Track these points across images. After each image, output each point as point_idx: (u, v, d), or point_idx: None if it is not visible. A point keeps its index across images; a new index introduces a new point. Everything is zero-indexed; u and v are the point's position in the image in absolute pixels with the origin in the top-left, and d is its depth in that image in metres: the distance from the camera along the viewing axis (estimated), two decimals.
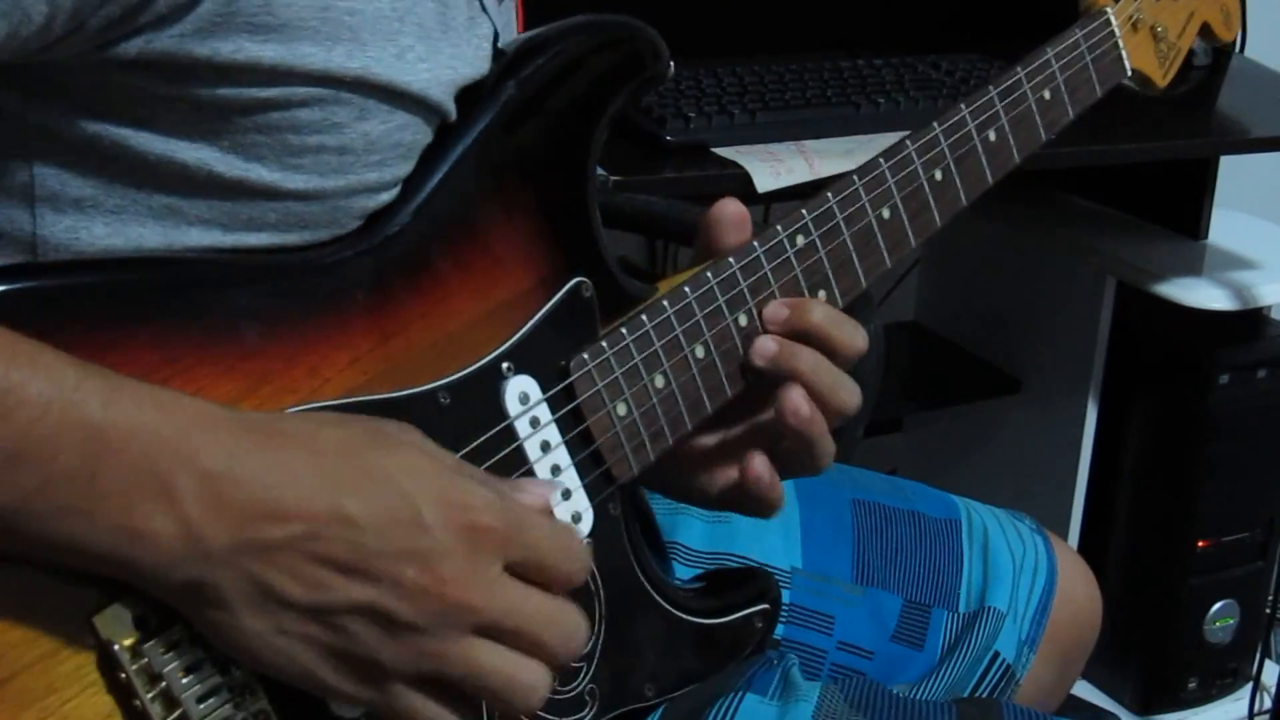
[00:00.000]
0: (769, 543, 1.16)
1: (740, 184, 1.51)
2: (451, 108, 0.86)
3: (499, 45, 0.90)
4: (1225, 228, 2.11)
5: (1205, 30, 1.29)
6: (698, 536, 1.15)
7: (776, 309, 0.96)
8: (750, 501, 0.97)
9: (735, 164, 1.53)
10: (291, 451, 0.74)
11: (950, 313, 2.35)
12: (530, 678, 0.77)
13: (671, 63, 0.94)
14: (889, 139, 1.63)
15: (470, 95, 0.87)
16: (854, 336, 0.97)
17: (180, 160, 0.78)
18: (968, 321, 2.31)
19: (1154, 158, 1.92)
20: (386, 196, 0.84)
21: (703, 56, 1.69)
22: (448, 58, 0.84)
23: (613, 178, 1.45)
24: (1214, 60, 2.03)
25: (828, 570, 1.17)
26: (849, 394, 0.96)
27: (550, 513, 0.84)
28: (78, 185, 0.78)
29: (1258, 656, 2.11)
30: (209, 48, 0.75)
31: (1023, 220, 2.18)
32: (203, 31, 0.74)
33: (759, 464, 0.95)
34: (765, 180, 1.51)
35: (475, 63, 0.87)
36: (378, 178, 0.83)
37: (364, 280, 0.83)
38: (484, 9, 0.90)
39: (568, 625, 0.79)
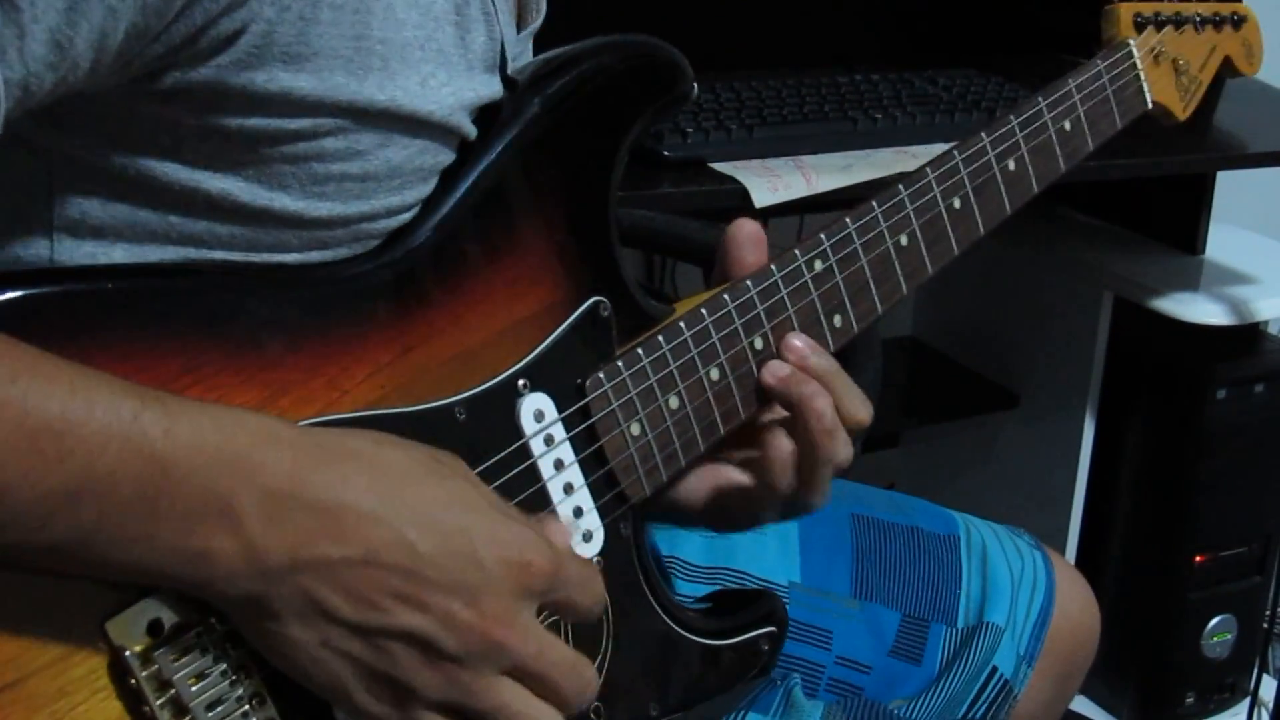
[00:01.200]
0: (768, 557, 1.16)
1: (737, 199, 1.51)
2: (471, 129, 0.86)
3: (508, 72, 0.90)
4: (1222, 243, 2.12)
5: (1227, 64, 1.29)
6: (697, 551, 1.15)
7: (794, 340, 0.96)
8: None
9: (733, 179, 1.53)
10: (353, 470, 0.75)
11: (948, 328, 2.36)
12: (546, 718, 0.79)
13: (695, 85, 0.95)
14: (886, 154, 1.64)
15: (491, 113, 0.88)
16: (859, 406, 0.97)
17: (205, 190, 0.78)
18: (965, 337, 2.31)
19: (1152, 173, 1.92)
20: (407, 216, 0.85)
21: (700, 72, 1.68)
22: (465, 80, 0.85)
23: None
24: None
25: (826, 585, 1.17)
26: (845, 446, 0.96)
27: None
28: (99, 214, 0.78)
29: (1255, 671, 2.11)
30: (244, 79, 0.75)
31: (1020, 235, 2.18)
32: (239, 63, 0.75)
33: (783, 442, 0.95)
34: (763, 195, 1.51)
35: (493, 84, 0.88)
36: (399, 201, 0.84)
37: (384, 294, 0.83)
38: (496, 20, 0.89)
39: (585, 677, 0.81)
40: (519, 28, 0.94)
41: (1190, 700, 2.11)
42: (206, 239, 0.79)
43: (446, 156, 0.86)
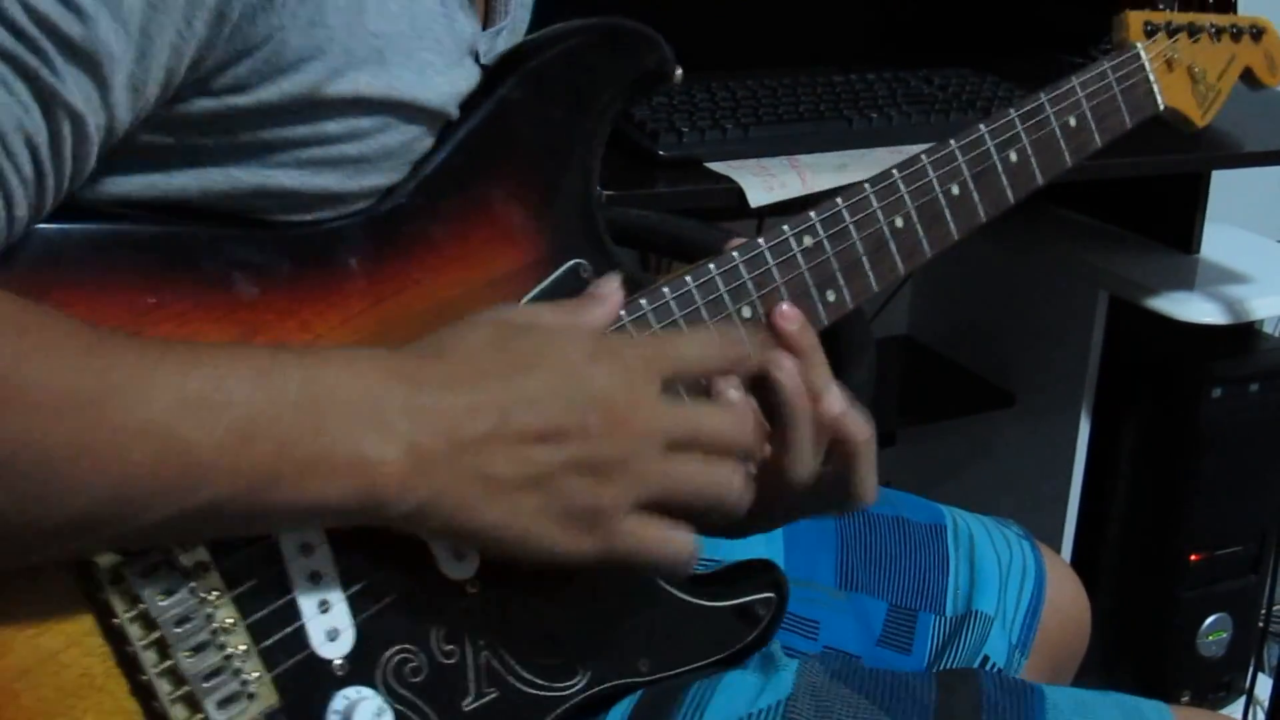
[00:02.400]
0: (752, 548, 1.16)
1: (733, 198, 1.51)
2: (456, 114, 0.89)
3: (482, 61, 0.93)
4: (1217, 242, 2.12)
5: (1248, 74, 1.31)
6: None
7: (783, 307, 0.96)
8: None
9: (728, 178, 1.53)
10: (453, 362, 0.80)
11: (943, 327, 2.36)
12: (725, 471, 0.85)
13: (679, 68, 0.97)
14: (881, 153, 1.64)
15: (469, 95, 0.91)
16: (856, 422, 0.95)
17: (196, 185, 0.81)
18: (961, 335, 2.32)
19: (1146, 172, 1.92)
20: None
21: (696, 70, 1.69)
22: (458, 68, 0.88)
23: (605, 192, 1.46)
24: None
25: (811, 576, 1.17)
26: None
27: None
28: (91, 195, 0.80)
29: (1251, 670, 2.12)
30: (254, 97, 0.79)
31: (1015, 234, 2.18)
32: (253, 79, 0.78)
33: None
34: (758, 195, 1.51)
35: (471, 74, 0.90)
36: (386, 181, 0.87)
37: (360, 246, 0.86)
38: (472, 12, 0.92)
39: (735, 414, 0.87)
40: (485, 26, 0.96)
41: (1186, 699, 2.11)
42: (193, 203, 0.82)
43: (431, 141, 0.89)
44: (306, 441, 0.74)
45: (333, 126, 0.82)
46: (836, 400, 0.93)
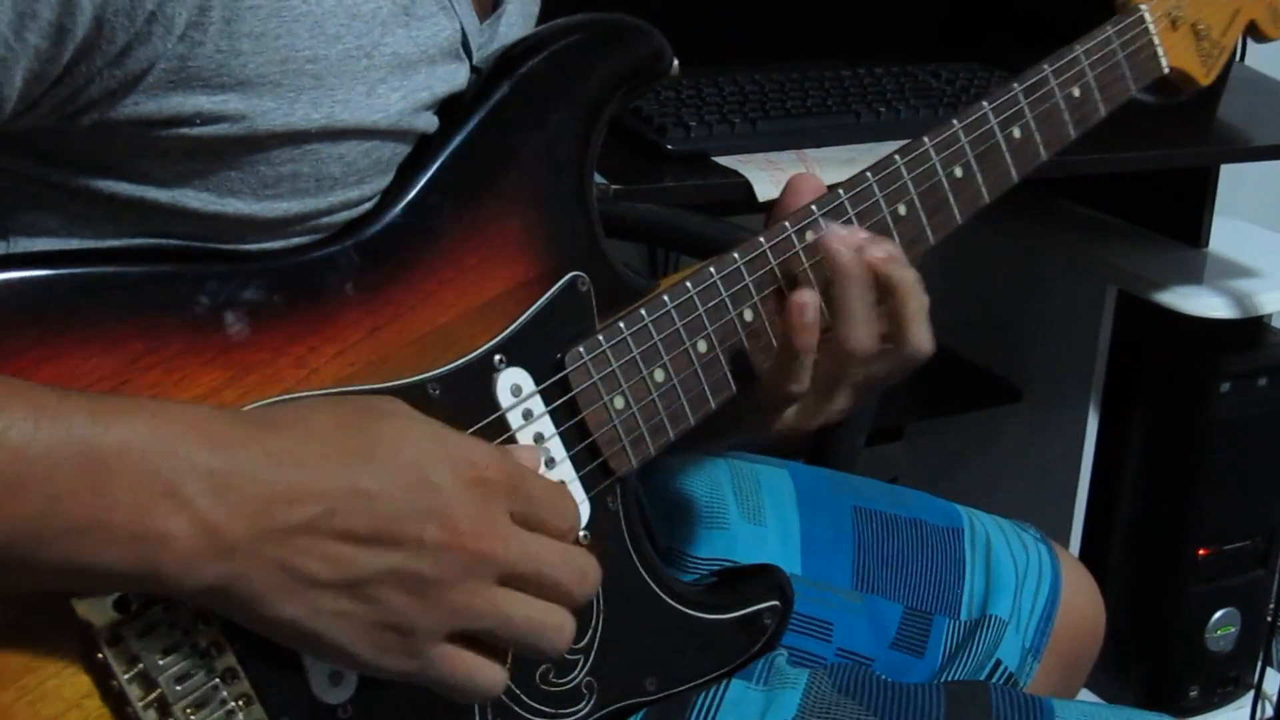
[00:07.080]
0: (768, 550, 1.16)
1: (741, 193, 1.51)
2: (429, 123, 0.86)
3: (474, 62, 0.90)
4: (1226, 236, 2.11)
5: (1252, 28, 1.27)
6: (696, 543, 1.15)
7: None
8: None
9: (736, 173, 1.53)
10: (289, 437, 0.74)
11: (951, 321, 2.34)
12: (555, 619, 0.79)
13: (675, 61, 0.94)
14: (889, 147, 1.63)
15: (457, 98, 0.87)
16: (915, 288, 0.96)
17: (153, 199, 0.78)
18: (969, 330, 2.31)
19: (1155, 166, 1.92)
20: (367, 206, 0.84)
21: (704, 65, 1.69)
22: (424, 78, 0.84)
23: (614, 186, 1.45)
24: None
25: (827, 577, 1.16)
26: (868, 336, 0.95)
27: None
28: (52, 219, 0.77)
29: (1259, 664, 2.11)
30: (172, 105, 0.75)
31: (1024, 229, 2.18)
32: (159, 96, 0.74)
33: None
34: (766, 189, 1.50)
35: (456, 73, 0.87)
36: (358, 194, 0.83)
37: (351, 274, 0.83)
38: (454, 10, 0.88)
39: (579, 564, 0.80)
40: (487, 15, 0.93)
41: (1194, 693, 2.11)
42: (162, 234, 0.79)
43: (405, 150, 0.85)
44: (82, 500, 0.68)
45: (277, 150, 0.78)
46: (881, 245, 0.93)
